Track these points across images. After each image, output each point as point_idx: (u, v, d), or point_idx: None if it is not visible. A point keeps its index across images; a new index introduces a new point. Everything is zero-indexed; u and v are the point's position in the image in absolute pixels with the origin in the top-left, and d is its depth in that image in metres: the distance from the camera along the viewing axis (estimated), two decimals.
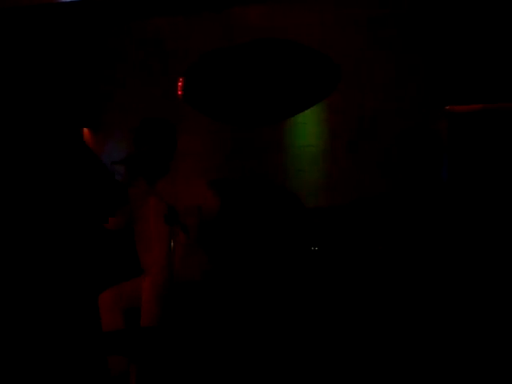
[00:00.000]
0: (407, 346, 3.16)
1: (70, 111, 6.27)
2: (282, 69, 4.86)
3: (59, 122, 6.20)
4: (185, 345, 3.24)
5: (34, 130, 6.18)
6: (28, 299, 4.74)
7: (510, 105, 5.29)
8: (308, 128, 5.73)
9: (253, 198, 2.73)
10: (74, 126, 6.30)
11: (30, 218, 5.31)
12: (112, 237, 4.69)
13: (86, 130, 6.35)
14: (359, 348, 3.06)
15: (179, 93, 5.80)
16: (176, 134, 4.29)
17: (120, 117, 6.27)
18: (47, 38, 6.19)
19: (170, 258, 3.98)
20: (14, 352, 4.45)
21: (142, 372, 3.76)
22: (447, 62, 5.40)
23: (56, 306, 4.70)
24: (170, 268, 3.98)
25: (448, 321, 3.27)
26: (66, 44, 6.27)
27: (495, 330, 3.27)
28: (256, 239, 2.73)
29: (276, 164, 5.72)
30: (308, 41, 5.11)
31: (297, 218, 2.77)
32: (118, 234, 4.54)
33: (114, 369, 4.05)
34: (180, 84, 5.77)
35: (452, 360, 3.13)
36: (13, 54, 6.07)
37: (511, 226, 3.63)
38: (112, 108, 6.33)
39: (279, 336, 2.77)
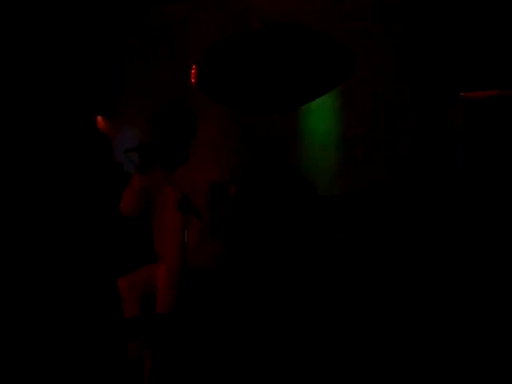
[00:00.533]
0: (422, 337, 3.16)
1: (84, 99, 6.28)
2: (296, 55, 4.84)
3: (72, 111, 6.22)
4: (199, 332, 3.25)
5: (46, 120, 6.20)
6: (47, 287, 4.78)
7: None
8: (323, 115, 5.71)
9: (268, 185, 2.73)
10: (86, 114, 6.32)
11: (44, 206, 5.33)
12: (128, 224, 4.70)
13: (99, 117, 6.36)
14: (375, 336, 3.06)
15: (192, 80, 5.79)
16: (196, 122, 4.27)
17: (134, 104, 6.28)
18: (59, 25, 6.20)
19: (184, 246, 3.99)
20: (35, 338, 4.49)
21: (156, 359, 3.77)
22: (461, 48, 5.37)
23: (73, 293, 4.73)
24: (184, 255, 3.98)
25: (465, 311, 3.27)
26: (78, 32, 6.27)
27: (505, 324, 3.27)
28: (271, 226, 2.72)
29: (290, 151, 5.71)
30: (322, 28, 5.09)
31: (311, 205, 2.77)
32: (134, 221, 4.55)
33: (129, 355, 4.07)
34: (193, 71, 5.76)
35: (455, 354, 3.13)
36: (25, 44, 6.08)
37: None
38: (126, 95, 6.33)
39: (294, 323, 2.78)
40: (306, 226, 2.73)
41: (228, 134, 5.86)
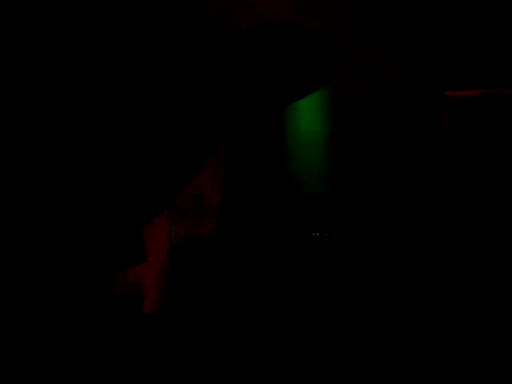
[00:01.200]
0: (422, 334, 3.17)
1: None
2: (282, 54, 4.83)
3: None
4: (187, 332, 3.26)
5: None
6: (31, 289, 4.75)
7: (511, 90, 5.28)
8: (309, 114, 5.72)
9: (255, 187, 2.73)
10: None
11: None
12: (114, 224, 4.67)
13: None
14: (364, 337, 3.07)
15: None
16: None
17: None
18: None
19: (170, 245, 4.00)
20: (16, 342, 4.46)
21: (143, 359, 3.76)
22: (447, 46, 5.38)
23: (59, 295, 4.70)
24: (171, 254, 3.99)
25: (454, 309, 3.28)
26: None
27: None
28: (257, 225, 2.72)
29: (276, 151, 5.72)
30: (308, 25, 5.10)
31: (298, 204, 2.77)
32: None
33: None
34: None
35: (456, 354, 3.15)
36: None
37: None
38: None
39: (282, 325, 2.78)
40: (294, 226, 2.74)
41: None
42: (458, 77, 5.41)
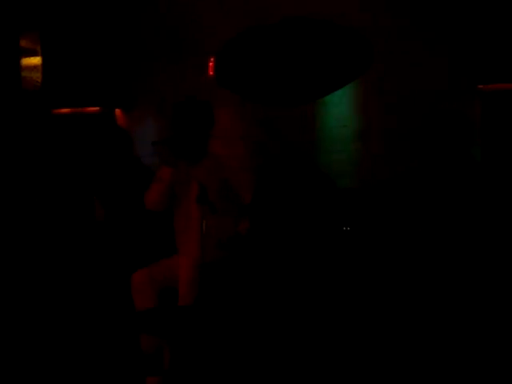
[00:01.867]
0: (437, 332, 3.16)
1: (102, 93, 6.30)
2: (314, 47, 4.83)
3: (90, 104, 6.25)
4: (218, 325, 3.27)
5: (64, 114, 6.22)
6: (62, 278, 4.81)
7: None
8: (341, 108, 5.71)
9: (287, 179, 2.73)
10: (106, 108, 6.34)
11: (61, 198, 5.36)
12: (145, 217, 4.73)
13: (118, 110, 6.39)
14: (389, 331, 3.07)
15: (210, 73, 5.80)
16: (213, 113, 4.30)
17: (152, 96, 6.29)
18: (76, 18, 6.22)
19: (203, 238, 4.01)
20: (48, 331, 4.52)
21: (175, 352, 3.79)
22: (479, 40, 5.33)
23: (89, 286, 4.76)
24: (203, 248, 4.00)
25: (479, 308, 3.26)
26: (94, 25, 6.29)
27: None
28: (289, 219, 2.73)
29: (308, 144, 5.71)
30: (341, 20, 5.08)
31: (329, 198, 2.77)
32: (153, 213, 4.58)
33: (147, 348, 4.10)
34: (211, 64, 5.77)
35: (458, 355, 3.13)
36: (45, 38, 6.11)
37: None
38: (144, 87, 6.35)
39: (310, 316, 2.78)
40: (325, 220, 2.74)
41: (245, 126, 5.87)
42: (491, 70, 5.37)
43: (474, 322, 3.23)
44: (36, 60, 6.09)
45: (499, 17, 5.24)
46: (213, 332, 3.22)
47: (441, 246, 3.50)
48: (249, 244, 4.01)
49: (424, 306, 3.25)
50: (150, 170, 4.85)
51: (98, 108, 6.33)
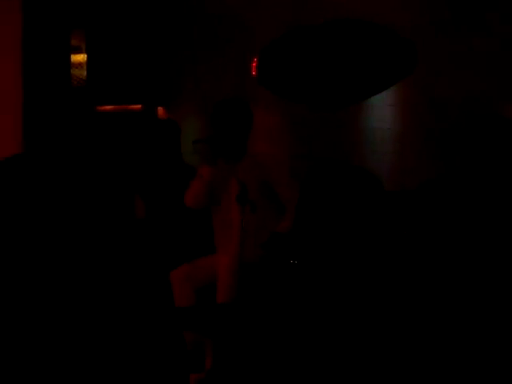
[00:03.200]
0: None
1: (145, 90, 6.35)
2: (357, 50, 4.83)
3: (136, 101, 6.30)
4: (260, 322, 3.28)
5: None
6: (103, 277, 4.86)
7: None
8: (383, 110, 5.68)
9: (335, 181, 2.72)
10: (149, 105, 6.38)
11: (103, 194, 5.41)
12: (184, 215, 4.76)
13: (160, 108, 6.43)
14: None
15: (253, 73, 5.82)
16: (252, 113, 4.32)
17: (194, 94, 6.33)
18: (125, 16, 6.28)
19: (242, 237, 4.02)
20: (93, 328, 4.57)
21: (217, 348, 3.82)
22: None
23: (129, 283, 4.80)
24: (242, 247, 4.02)
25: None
26: (142, 23, 6.35)
27: None
28: (339, 222, 2.72)
29: (351, 145, 5.69)
30: (385, 22, 5.06)
31: (377, 201, 2.76)
32: (192, 211, 4.61)
33: (190, 343, 4.13)
34: (254, 64, 5.78)
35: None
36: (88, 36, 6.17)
37: None
38: (186, 86, 6.39)
39: (352, 321, 2.78)
40: (374, 222, 2.72)
41: (286, 127, 5.87)
42: None
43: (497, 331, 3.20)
44: (81, 57, 6.16)
45: None
46: (253, 329, 3.24)
47: (478, 254, 3.47)
48: (290, 244, 4.02)
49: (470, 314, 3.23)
50: (191, 168, 4.89)
51: (140, 106, 6.39)
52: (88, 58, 6.20)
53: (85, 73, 6.16)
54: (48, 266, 4.55)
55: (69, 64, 5.88)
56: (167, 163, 4.95)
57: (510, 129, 3.72)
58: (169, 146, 4.95)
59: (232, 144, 4.22)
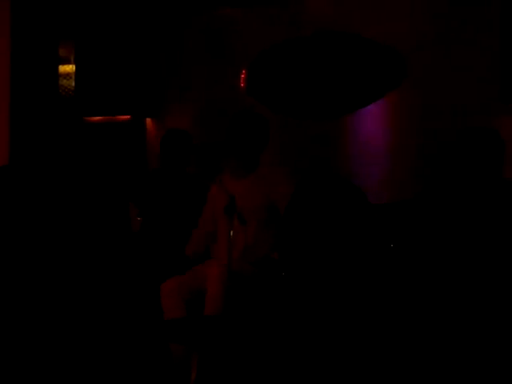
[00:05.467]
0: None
1: (134, 102, 6.34)
2: (345, 62, 4.84)
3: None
4: (246, 334, 3.27)
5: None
6: (91, 287, 4.83)
7: None
8: (372, 122, 5.69)
9: (320, 193, 2.72)
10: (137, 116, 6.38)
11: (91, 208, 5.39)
12: (175, 228, 4.75)
13: (148, 120, 6.43)
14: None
15: (242, 85, 5.83)
16: (268, 127, 4.34)
17: (183, 106, 6.32)
18: (114, 27, 6.27)
19: (230, 248, 4.01)
20: (77, 338, 4.55)
21: (203, 360, 3.80)
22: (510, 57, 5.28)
23: (118, 295, 4.78)
24: (230, 258, 4.01)
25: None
26: (131, 34, 6.34)
27: None
28: (324, 234, 2.71)
29: (340, 158, 5.69)
30: (373, 34, 5.07)
31: (362, 214, 2.76)
32: (182, 224, 4.61)
33: (176, 355, 4.11)
34: (243, 76, 5.79)
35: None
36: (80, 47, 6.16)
37: None
38: (174, 98, 6.38)
39: (348, 332, 2.77)
40: (360, 235, 2.73)
41: (274, 140, 5.87)
42: None
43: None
44: (69, 68, 6.15)
45: None
46: (239, 342, 3.23)
47: (469, 266, 3.48)
48: (278, 259, 4.02)
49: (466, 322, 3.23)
50: (192, 178, 4.90)
51: (128, 116, 6.38)
52: (76, 68, 6.20)
53: (73, 83, 6.15)
54: (39, 276, 4.53)
55: (57, 74, 5.87)
56: (170, 173, 4.96)
57: (497, 140, 3.75)
58: (177, 156, 4.97)
59: (246, 157, 4.25)
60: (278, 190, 4.21)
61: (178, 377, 4.08)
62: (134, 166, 5.85)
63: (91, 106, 6.31)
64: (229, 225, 4.05)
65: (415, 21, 5.53)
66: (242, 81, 5.69)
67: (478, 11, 5.33)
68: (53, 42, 5.71)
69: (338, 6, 5.72)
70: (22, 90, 5.64)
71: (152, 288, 4.40)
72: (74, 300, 4.73)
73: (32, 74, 5.65)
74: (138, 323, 4.56)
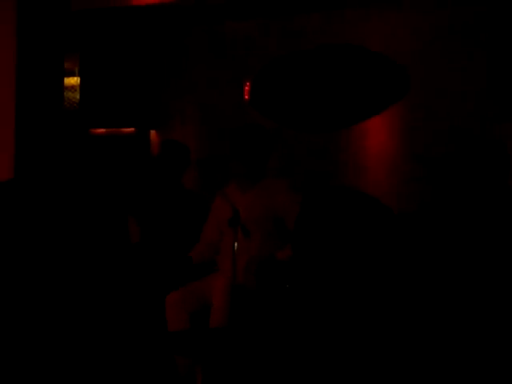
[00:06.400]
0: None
1: (138, 114, 6.37)
2: (349, 74, 4.85)
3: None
4: (251, 347, 3.27)
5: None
6: (97, 298, 4.84)
7: None
8: (373, 132, 5.71)
9: (331, 205, 2.71)
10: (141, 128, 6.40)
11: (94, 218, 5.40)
12: (179, 239, 4.76)
13: (153, 132, 6.46)
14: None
15: (246, 97, 5.85)
16: (271, 139, 4.37)
17: (186, 119, 6.35)
18: (117, 40, 6.31)
19: (234, 261, 4.02)
20: (83, 349, 4.54)
21: (208, 373, 3.80)
22: None
23: (123, 306, 4.78)
24: (235, 270, 4.01)
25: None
26: (134, 47, 6.38)
27: None
28: (334, 246, 2.70)
29: (346, 169, 5.70)
30: (377, 47, 5.09)
31: (382, 224, 2.74)
32: (185, 236, 4.62)
33: (181, 368, 4.11)
34: (247, 88, 5.82)
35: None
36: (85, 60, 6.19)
37: None
38: (178, 110, 6.41)
39: (356, 346, 2.76)
40: (377, 247, 2.72)
41: (281, 152, 5.89)
42: None
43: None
44: (74, 80, 6.19)
45: None
46: (244, 354, 3.23)
47: (477, 275, 3.48)
48: (289, 272, 4.01)
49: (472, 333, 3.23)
50: (189, 193, 4.91)
51: (132, 129, 6.41)
52: (81, 81, 6.23)
53: (78, 96, 6.19)
54: (42, 287, 4.54)
55: (62, 87, 5.90)
56: (167, 187, 4.96)
57: (500, 149, 3.75)
58: (174, 169, 4.97)
59: (250, 169, 4.25)
60: (279, 200, 4.21)
61: None
62: (138, 177, 5.86)
63: (96, 119, 6.34)
64: (233, 237, 4.06)
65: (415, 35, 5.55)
66: (246, 93, 5.71)
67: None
68: (58, 55, 5.74)
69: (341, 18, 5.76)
70: (27, 103, 5.67)
71: (155, 299, 4.40)
72: (76, 312, 4.74)
73: (38, 86, 5.68)
74: (141, 335, 4.55)
